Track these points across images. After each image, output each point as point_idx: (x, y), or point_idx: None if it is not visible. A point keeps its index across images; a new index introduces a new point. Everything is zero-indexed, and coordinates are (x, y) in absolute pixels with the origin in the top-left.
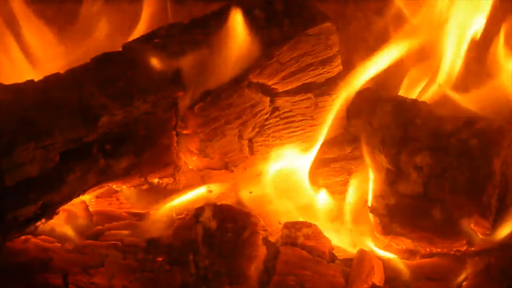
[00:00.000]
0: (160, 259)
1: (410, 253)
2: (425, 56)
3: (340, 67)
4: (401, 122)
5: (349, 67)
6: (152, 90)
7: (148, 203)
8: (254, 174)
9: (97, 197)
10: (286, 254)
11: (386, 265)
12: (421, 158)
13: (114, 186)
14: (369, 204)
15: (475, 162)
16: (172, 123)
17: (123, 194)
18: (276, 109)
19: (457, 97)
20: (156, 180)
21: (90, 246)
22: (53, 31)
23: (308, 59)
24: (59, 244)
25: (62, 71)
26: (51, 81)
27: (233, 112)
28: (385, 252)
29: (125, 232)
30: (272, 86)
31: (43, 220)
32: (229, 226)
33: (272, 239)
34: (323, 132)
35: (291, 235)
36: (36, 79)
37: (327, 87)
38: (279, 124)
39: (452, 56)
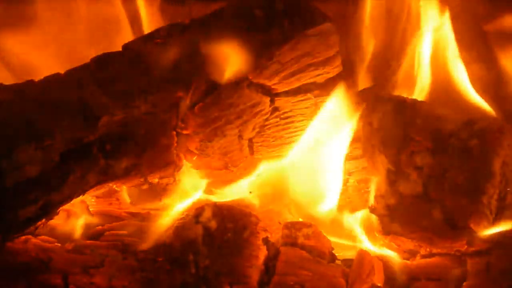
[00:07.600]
0: (160, 259)
1: (410, 253)
2: None
3: (340, 67)
4: (401, 122)
5: (349, 67)
6: (153, 90)
7: (148, 203)
8: (254, 174)
9: (97, 197)
10: (286, 254)
11: (386, 265)
12: (421, 158)
13: (114, 186)
14: (369, 204)
15: (475, 162)
16: (172, 123)
17: (123, 194)
18: (276, 109)
19: None
20: (156, 180)
21: (90, 246)
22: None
23: (308, 59)
24: (59, 244)
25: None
26: (51, 81)
27: (233, 112)
28: (385, 252)
29: (125, 232)
30: (272, 86)
31: (43, 220)
32: (229, 226)
33: (272, 239)
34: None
35: (291, 235)
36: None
37: (327, 87)
38: (279, 124)
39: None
